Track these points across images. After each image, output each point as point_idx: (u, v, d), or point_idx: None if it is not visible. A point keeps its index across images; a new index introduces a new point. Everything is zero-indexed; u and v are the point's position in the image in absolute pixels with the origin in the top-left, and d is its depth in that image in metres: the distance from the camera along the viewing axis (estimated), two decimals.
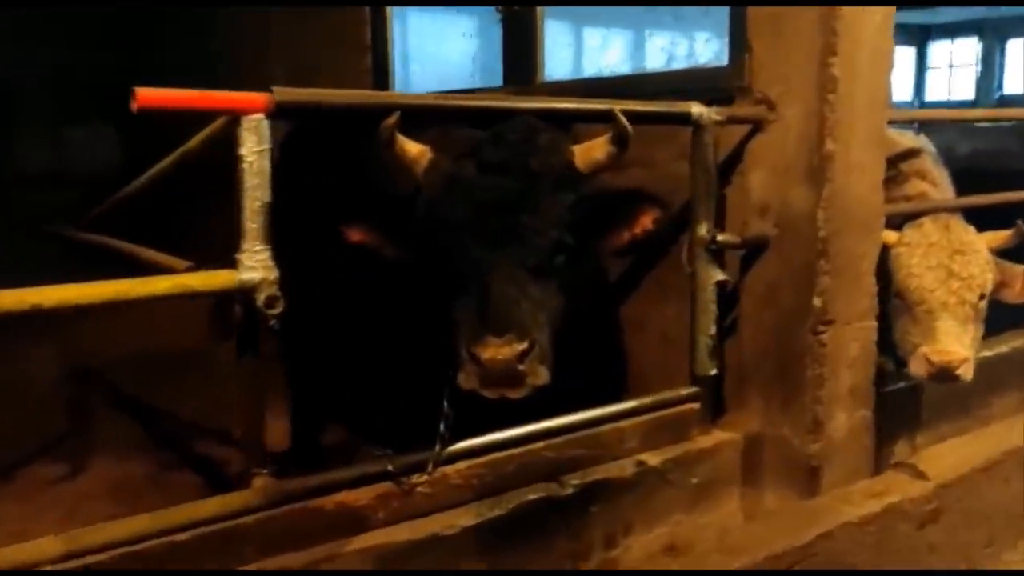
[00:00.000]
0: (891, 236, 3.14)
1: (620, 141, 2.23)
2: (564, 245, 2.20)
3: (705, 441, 2.78)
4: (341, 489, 2.11)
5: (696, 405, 2.78)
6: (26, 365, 4.45)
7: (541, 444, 2.43)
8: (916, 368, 2.92)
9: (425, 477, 2.21)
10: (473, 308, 2.09)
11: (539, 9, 3.69)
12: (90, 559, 1.78)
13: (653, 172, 3.14)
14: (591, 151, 2.26)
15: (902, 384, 3.28)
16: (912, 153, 3.49)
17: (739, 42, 2.90)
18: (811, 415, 2.78)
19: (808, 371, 2.76)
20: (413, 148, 2.20)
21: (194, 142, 2.13)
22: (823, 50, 2.64)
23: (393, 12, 4.53)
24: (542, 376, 2.10)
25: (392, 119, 2.10)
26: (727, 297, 2.92)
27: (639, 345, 3.29)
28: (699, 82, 3.14)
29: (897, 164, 3.44)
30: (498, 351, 2.00)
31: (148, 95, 1.77)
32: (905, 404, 3.34)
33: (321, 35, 4.85)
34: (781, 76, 2.76)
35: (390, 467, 2.16)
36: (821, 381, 2.77)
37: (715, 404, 2.91)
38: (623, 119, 2.21)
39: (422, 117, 2.35)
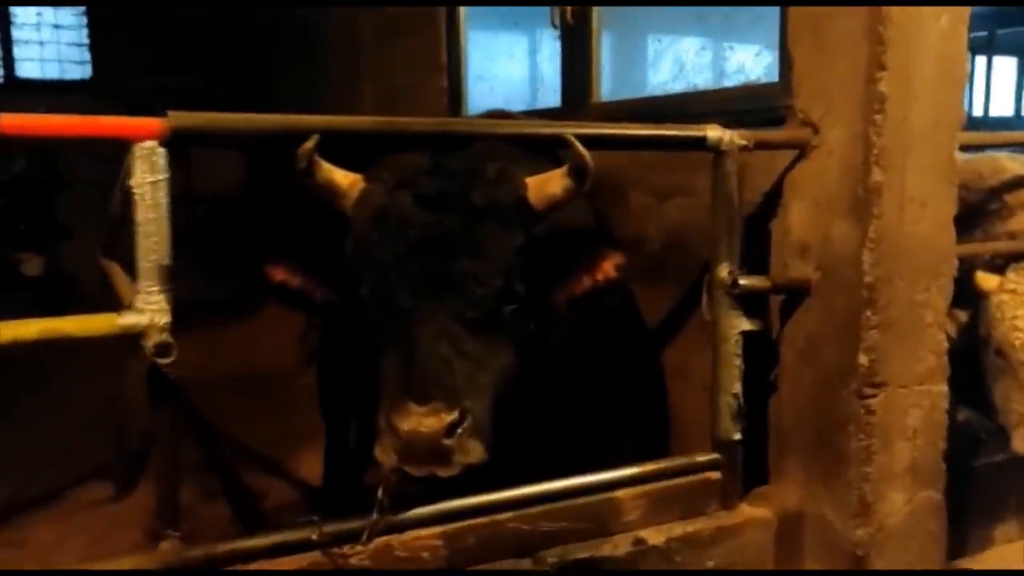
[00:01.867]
0: (990, 281, 2.65)
1: (578, 173, 1.88)
2: (512, 293, 1.88)
3: (727, 517, 2.38)
4: (257, 559, 1.90)
5: (716, 474, 2.39)
6: (104, 382, 4.56)
7: (510, 514, 2.13)
8: (1021, 445, 2.50)
9: (359, 548, 1.96)
10: (398, 367, 1.80)
11: (595, 27, 3.40)
12: None
13: (696, 201, 2.80)
14: (547, 184, 1.91)
15: (1000, 457, 2.78)
16: (1023, 182, 2.95)
17: (787, 53, 2.51)
18: (856, 495, 2.34)
19: (852, 442, 2.33)
20: (344, 178, 1.92)
21: (124, 172, 1.98)
22: (869, 63, 2.22)
23: (467, 33, 4.38)
24: (474, 453, 1.79)
25: (310, 143, 1.80)
26: (770, 347, 2.53)
27: (681, 394, 2.95)
28: (752, 101, 2.78)
29: (1001, 195, 2.92)
30: (420, 422, 1.71)
31: (13, 121, 1.60)
32: (1006, 479, 2.83)
33: (403, 58, 4.85)
34: (823, 93, 2.35)
35: (314, 536, 1.92)
36: (869, 455, 2.32)
37: (754, 472, 2.52)
38: (579, 146, 1.85)
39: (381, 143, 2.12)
